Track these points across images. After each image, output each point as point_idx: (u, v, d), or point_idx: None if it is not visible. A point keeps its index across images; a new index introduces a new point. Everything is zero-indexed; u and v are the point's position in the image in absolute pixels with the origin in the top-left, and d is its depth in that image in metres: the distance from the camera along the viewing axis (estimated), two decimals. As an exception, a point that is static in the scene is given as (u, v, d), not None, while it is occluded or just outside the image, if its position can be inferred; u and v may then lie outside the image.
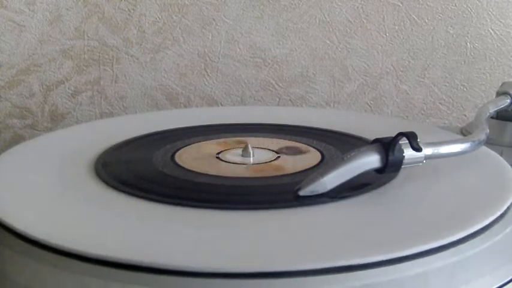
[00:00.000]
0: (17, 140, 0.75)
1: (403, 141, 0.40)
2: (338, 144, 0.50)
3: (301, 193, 0.38)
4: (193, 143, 0.51)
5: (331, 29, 0.76)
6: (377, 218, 0.37)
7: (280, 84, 0.78)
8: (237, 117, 0.59)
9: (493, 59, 0.78)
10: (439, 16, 0.76)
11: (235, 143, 0.50)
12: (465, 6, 0.76)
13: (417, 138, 0.40)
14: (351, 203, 0.39)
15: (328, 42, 0.77)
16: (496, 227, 0.37)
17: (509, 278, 0.35)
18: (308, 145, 0.50)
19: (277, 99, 0.78)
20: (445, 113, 0.79)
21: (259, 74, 0.77)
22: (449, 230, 0.34)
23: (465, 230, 0.35)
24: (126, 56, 0.75)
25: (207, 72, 0.77)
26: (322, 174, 0.39)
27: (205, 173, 0.44)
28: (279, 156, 0.47)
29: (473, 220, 0.36)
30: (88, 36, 0.74)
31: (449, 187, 0.42)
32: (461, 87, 0.78)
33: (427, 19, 0.77)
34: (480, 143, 0.45)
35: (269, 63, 0.77)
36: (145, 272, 0.31)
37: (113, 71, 0.76)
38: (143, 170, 0.45)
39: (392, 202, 0.39)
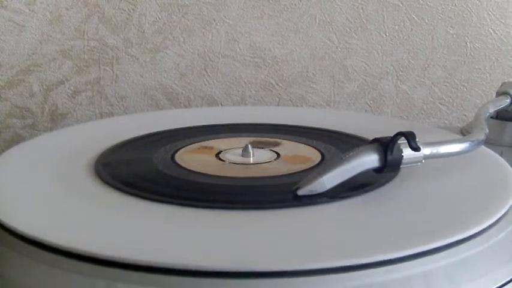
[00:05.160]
0: (17, 140, 0.75)
1: (402, 141, 0.40)
2: (338, 144, 0.50)
3: (300, 192, 0.38)
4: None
5: (331, 29, 0.76)
6: (376, 218, 0.37)
7: (280, 84, 0.78)
8: (237, 117, 0.59)
9: (493, 59, 0.78)
10: (439, 16, 0.76)
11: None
12: (465, 6, 0.76)
13: (416, 138, 0.40)
14: (350, 203, 0.39)
15: (328, 42, 0.77)
16: (496, 227, 0.37)
17: (509, 278, 0.35)
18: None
19: (277, 99, 0.78)
20: (445, 113, 0.79)
21: (259, 74, 0.77)
22: (449, 230, 0.34)
23: (465, 230, 0.35)
24: (126, 56, 0.75)
25: (207, 72, 0.77)
26: (321, 174, 0.39)
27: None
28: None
29: (473, 220, 0.36)
30: (88, 36, 0.74)
31: (448, 187, 0.42)
32: (461, 87, 0.78)
33: (427, 19, 0.77)
34: (479, 143, 0.45)
35: (269, 63, 0.77)
36: (145, 271, 0.31)
37: (113, 71, 0.76)
38: (143, 170, 0.45)
39: (391, 202, 0.39)
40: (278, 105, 0.78)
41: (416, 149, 0.40)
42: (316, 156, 0.47)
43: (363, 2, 0.76)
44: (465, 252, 0.34)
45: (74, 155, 0.48)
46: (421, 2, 0.76)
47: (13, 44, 0.74)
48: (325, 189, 0.39)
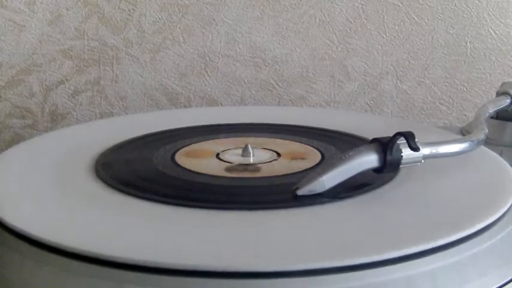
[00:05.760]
0: (17, 140, 0.75)
1: (401, 141, 0.40)
2: (338, 144, 0.50)
3: (300, 192, 0.38)
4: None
5: (331, 29, 0.76)
6: (376, 218, 0.37)
7: (280, 84, 0.78)
8: (237, 117, 0.59)
9: (493, 59, 0.78)
10: (439, 16, 0.76)
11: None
12: (465, 6, 0.76)
13: (415, 138, 0.40)
14: (350, 203, 0.39)
15: (328, 42, 0.77)
16: (495, 227, 0.37)
17: (509, 278, 0.35)
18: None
19: (277, 99, 0.78)
20: (445, 113, 0.79)
21: (259, 74, 0.77)
22: (448, 230, 0.34)
23: (465, 230, 0.35)
24: (126, 56, 0.75)
25: (207, 72, 0.77)
26: (320, 174, 0.39)
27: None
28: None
29: (473, 220, 0.36)
30: (88, 36, 0.75)
31: (448, 187, 0.42)
32: (461, 87, 0.78)
33: (427, 19, 0.77)
34: (479, 143, 0.45)
35: (269, 63, 0.77)
36: (145, 271, 0.31)
37: (113, 71, 0.76)
38: (143, 170, 0.45)
39: (391, 202, 0.39)
40: (278, 105, 0.78)
41: (415, 149, 0.40)
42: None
43: (363, 2, 0.76)
44: (465, 252, 0.34)
45: (73, 155, 0.48)
46: (421, 2, 0.76)
47: (13, 44, 0.74)
48: (324, 189, 0.39)
